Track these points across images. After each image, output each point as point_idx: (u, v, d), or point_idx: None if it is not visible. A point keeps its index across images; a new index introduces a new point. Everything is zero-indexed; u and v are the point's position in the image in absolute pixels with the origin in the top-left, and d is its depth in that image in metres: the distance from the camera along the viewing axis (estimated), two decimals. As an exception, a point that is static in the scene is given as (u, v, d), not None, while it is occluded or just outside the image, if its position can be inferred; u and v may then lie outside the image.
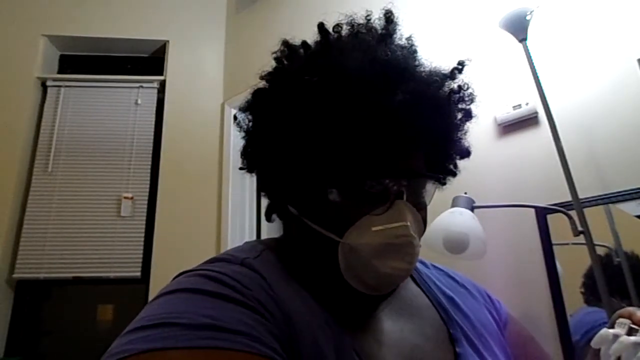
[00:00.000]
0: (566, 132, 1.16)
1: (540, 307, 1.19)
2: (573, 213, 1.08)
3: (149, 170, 2.22)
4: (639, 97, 1.18)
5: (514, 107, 1.37)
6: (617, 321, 0.48)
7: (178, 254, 1.98)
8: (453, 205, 1.15)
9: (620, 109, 1.20)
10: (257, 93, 0.54)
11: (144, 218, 2.13)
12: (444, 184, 0.61)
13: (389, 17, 0.54)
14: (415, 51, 0.54)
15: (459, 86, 0.54)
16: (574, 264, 1.17)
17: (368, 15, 0.55)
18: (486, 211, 1.17)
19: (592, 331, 1.10)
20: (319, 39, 0.53)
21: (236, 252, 0.50)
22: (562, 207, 1.13)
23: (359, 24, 0.54)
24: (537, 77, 1.16)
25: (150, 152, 2.25)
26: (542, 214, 1.23)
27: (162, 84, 2.38)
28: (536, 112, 1.34)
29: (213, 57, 2.47)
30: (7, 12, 2.37)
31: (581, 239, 1.06)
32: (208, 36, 2.52)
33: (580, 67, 1.30)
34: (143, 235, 2.10)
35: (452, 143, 0.57)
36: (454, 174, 0.62)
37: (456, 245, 1.09)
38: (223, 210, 2.13)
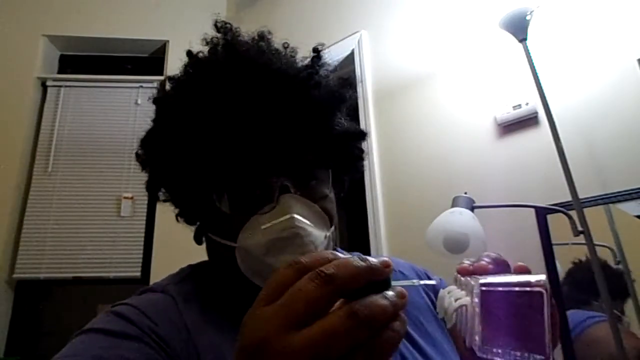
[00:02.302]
0: (566, 132, 1.16)
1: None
2: (573, 213, 1.08)
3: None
4: (639, 97, 1.18)
5: (514, 107, 1.37)
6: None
7: (178, 254, 1.97)
8: (453, 205, 1.15)
9: (620, 109, 1.20)
10: (148, 131, 0.57)
11: (144, 218, 2.14)
12: (360, 170, 0.61)
13: (217, 26, 0.59)
14: (264, 52, 0.53)
15: (311, 72, 0.53)
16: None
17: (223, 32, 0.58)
18: (486, 211, 1.17)
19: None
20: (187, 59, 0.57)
21: (167, 279, 0.54)
22: (562, 207, 1.13)
23: (215, 40, 0.58)
24: (537, 77, 1.16)
25: (150, 152, 2.25)
26: (542, 214, 1.23)
27: (162, 84, 2.38)
28: (536, 112, 1.34)
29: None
30: (7, 12, 2.37)
31: (581, 239, 1.06)
32: (208, 36, 2.51)
33: (580, 67, 1.30)
34: (143, 235, 2.11)
35: (331, 128, 0.55)
36: (360, 158, 0.61)
37: (456, 245, 1.09)
38: (223, 210, 2.12)
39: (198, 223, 0.58)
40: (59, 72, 2.46)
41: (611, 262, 1.12)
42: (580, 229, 1.06)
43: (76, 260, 2.05)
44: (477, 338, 0.35)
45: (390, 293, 0.26)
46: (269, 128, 0.48)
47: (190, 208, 0.56)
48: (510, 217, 1.26)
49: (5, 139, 2.17)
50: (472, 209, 1.14)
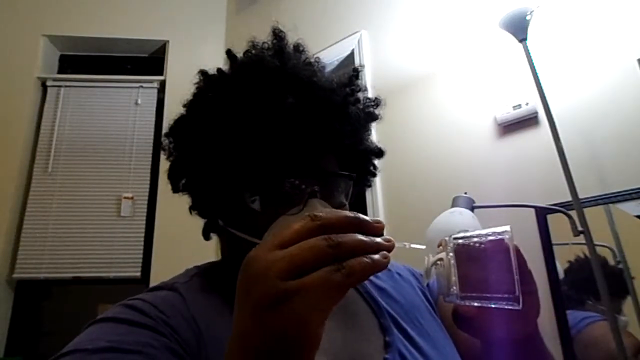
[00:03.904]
0: (566, 132, 1.16)
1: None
2: (573, 213, 1.08)
3: (149, 170, 2.22)
4: (639, 97, 1.18)
5: (514, 107, 1.37)
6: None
7: (178, 254, 1.98)
8: (453, 205, 1.15)
9: (620, 109, 1.20)
10: (178, 120, 0.60)
11: (144, 218, 2.14)
12: (369, 185, 0.65)
13: (276, 34, 0.59)
14: (309, 63, 0.58)
15: (352, 89, 0.58)
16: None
17: (264, 42, 0.60)
18: (486, 211, 1.17)
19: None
20: (228, 64, 0.59)
21: (173, 278, 0.55)
22: (562, 207, 1.13)
23: (258, 46, 0.59)
24: (537, 77, 1.16)
25: (150, 152, 2.25)
26: (542, 214, 1.23)
27: (162, 84, 2.38)
28: (536, 112, 1.34)
29: (213, 57, 2.46)
30: (7, 12, 2.37)
31: (581, 239, 1.06)
32: (208, 36, 2.52)
33: (580, 67, 1.30)
34: (143, 235, 2.11)
35: (358, 144, 0.60)
36: (374, 174, 0.65)
37: (456, 245, 1.09)
38: (223, 210, 2.12)
39: (207, 219, 0.59)
40: (59, 72, 2.46)
41: (610, 261, 1.12)
42: (580, 229, 1.06)
43: (76, 260, 2.05)
44: (454, 288, 0.38)
45: (376, 238, 0.31)
46: (308, 136, 0.52)
47: (214, 202, 0.56)
48: (510, 217, 1.26)
49: (5, 139, 2.17)
50: (472, 209, 1.14)
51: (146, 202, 2.17)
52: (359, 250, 0.29)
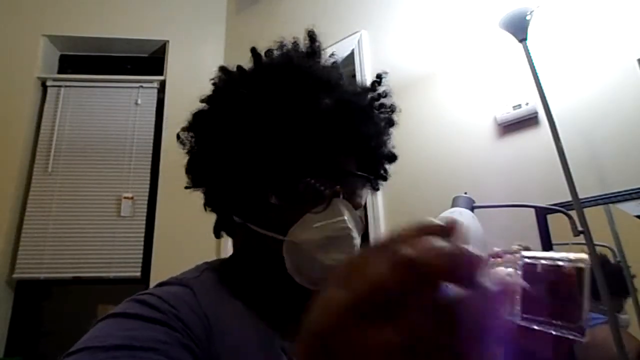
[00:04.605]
0: (566, 132, 1.16)
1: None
2: (573, 213, 1.08)
3: (149, 170, 2.22)
4: (639, 97, 1.18)
5: (514, 107, 1.37)
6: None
7: (178, 254, 1.98)
8: (453, 205, 1.15)
9: (620, 109, 1.20)
10: (197, 114, 0.60)
11: (144, 218, 2.14)
12: (377, 189, 0.67)
13: (312, 37, 0.60)
14: (337, 67, 0.60)
15: (379, 94, 0.61)
16: (574, 264, 1.17)
17: (295, 41, 0.61)
18: (486, 211, 1.17)
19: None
20: (252, 61, 0.59)
21: (183, 274, 0.54)
22: (562, 207, 1.13)
23: (288, 46, 0.60)
24: (537, 77, 1.16)
25: (150, 152, 2.25)
26: (542, 214, 1.23)
27: (162, 84, 2.38)
28: (536, 112, 1.34)
29: (213, 57, 2.47)
30: (7, 12, 2.37)
31: (581, 239, 1.06)
32: (208, 36, 2.52)
33: (580, 67, 1.30)
34: (143, 235, 2.10)
35: (379, 148, 0.62)
36: (385, 178, 0.67)
37: (456, 245, 1.09)
38: (223, 210, 2.12)
39: (223, 215, 0.60)
40: (59, 72, 2.46)
41: (610, 260, 1.12)
42: (580, 229, 1.06)
43: (76, 260, 2.04)
44: (517, 308, 0.37)
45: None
46: (336, 137, 0.53)
47: (235, 198, 0.56)
48: (510, 217, 1.26)
49: (5, 139, 2.17)
50: (472, 209, 1.14)
51: (146, 202, 2.16)
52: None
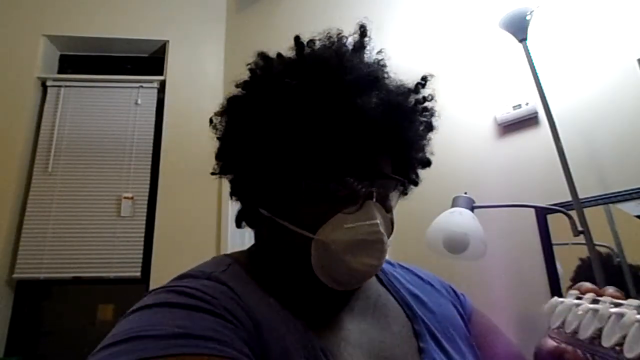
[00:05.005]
0: (566, 132, 1.16)
1: (540, 307, 1.19)
2: (573, 213, 1.08)
3: (149, 170, 2.22)
4: (639, 97, 1.18)
5: (514, 107, 1.37)
6: (568, 292, 0.49)
7: (178, 254, 1.98)
8: (453, 205, 1.15)
9: (620, 109, 1.20)
10: (232, 99, 0.58)
11: (144, 218, 2.13)
12: (406, 193, 0.65)
13: (363, 30, 0.59)
14: (384, 65, 0.58)
15: (424, 97, 0.59)
16: (574, 264, 1.17)
17: (340, 32, 0.59)
18: (486, 211, 1.17)
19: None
20: (295, 50, 0.56)
21: (203, 267, 0.51)
22: (562, 207, 1.13)
23: (333, 38, 0.58)
24: (537, 77, 1.16)
25: (150, 152, 2.25)
26: (542, 214, 1.23)
27: (162, 84, 2.38)
28: (536, 112, 1.34)
29: (213, 57, 2.47)
30: (7, 12, 2.37)
31: (581, 239, 1.06)
32: (208, 36, 2.52)
33: (580, 67, 1.30)
34: (143, 235, 2.10)
35: (416, 151, 0.61)
36: (416, 183, 0.66)
37: (456, 245, 1.09)
38: (223, 210, 2.12)
39: (249, 206, 0.57)
40: (59, 72, 2.46)
41: (613, 261, 1.12)
42: (580, 229, 1.06)
43: (76, 260, 2.04)
44: (625, 348, 0.37)
45: None
46: (377, 138, 0.50)
47: (265, 189, 0.54)
48: (510, 217, 1.26)
49: (5, 139, 2.17)
50: (472, 209, 1.14)
51: (146, 202, 2.16)
52: None
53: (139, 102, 2.33)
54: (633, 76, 1.19)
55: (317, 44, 0.57)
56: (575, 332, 0.43)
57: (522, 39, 1.19)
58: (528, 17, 1.19)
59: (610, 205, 1.15)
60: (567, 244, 1.16)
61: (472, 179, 1.40)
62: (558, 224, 1.17)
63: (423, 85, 0.60)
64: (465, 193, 1.17)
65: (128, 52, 2.53)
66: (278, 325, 0.45)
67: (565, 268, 1.19)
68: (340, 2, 2.03)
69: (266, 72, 0.56)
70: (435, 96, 0.61)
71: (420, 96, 0.59)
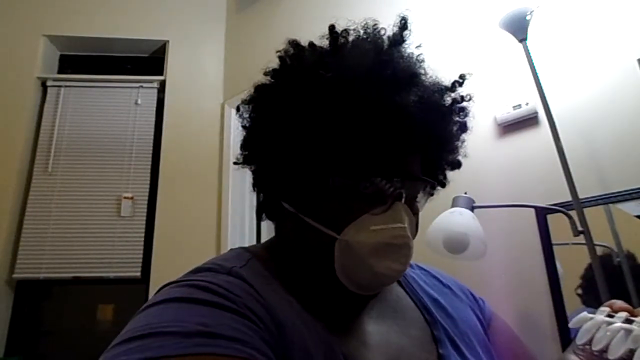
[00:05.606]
0: (566, 132, 1.16)
1: (540, 307, 1.19)
2: (573, 213, 1.08)
3: (149, 170, 2.22)
4: (639, 97, 1.18)
5: (514, 107, 1.37)
6: (599, 309, 0.48)
7: (178, 254, 1.98)
8: (453, 205, 1.15)
9: (620, 109, 1.20)
10: (261, 88, 0.55)
11: (144, 218, 2.13)
12: (433, 194, 0.62)
13: (404, 23, 0.56)
14: (422, 60, 0.55)
15: (462, 97, 0.56)
16: (574, 264, 1.17)
17: (375, 24, 0.57)
18: (486, 211, 1.17)
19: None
20: (328, 40, 0.54)
21: (222, 261, 0.49)
22: (562, 207, 1.13)
23: (369, 29, 0.56)
24: (537, 77, 1.16)
25: (150, 152, 2.25)
26: (542, 214, 1.23)
27: (162, 84, 2.38)
28: (536, 112, 1.34)
29: (213, 57, 2.47)
30: (7, 12, 2.37)
31: (581, 239, 1.06)
32: (208, 36, 2.52)
33: (580, 67, 1.30)
34: (143, 235, 2.10)
35: (448, 152, 0.59)
36: (443, 185, 0.64)
37: (456, 245, 1.09)
38: (223, 210, 2.13)
39: (271, 199, 0.55)
40: (59, 72, 2.46)
41: (612, 261, 1.12)
42: (580, 229, 1.06)
43: (76, 260, 2.04)
44: None
45: None
46: (410, 137, 0.48)
47: (290, 182, 0.51)
48: (510, 217, 1.26)
49: (5, 139, 2.17)
50: (472, 209, 1.14)
51: (146, 202, 2.16)
52: None
53: (139, 102, 2.33)
54: (633, 76, 1.19)
55: (352, 34, 0.55)
56: (603, 350, 0.42)
57: (522, 39, 1.19)
58: (528, 17, 1.18)
59: (610, 205, 1.15)
60: (567, 244, 1.16)
61: (472, 179, 1.40)
62: (558, 224, 1.17)
63: (460, 84, 0.57)
64: (465, 193, 1.17)
65: (128, 52, 2.53)
66: (299, 326, 0.44)
67: (566, 268, 1.19)
68: (340, 2, 2.03)
69: (297, 61, 0.53)
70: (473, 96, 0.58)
71: (457, 95, 0.56)
